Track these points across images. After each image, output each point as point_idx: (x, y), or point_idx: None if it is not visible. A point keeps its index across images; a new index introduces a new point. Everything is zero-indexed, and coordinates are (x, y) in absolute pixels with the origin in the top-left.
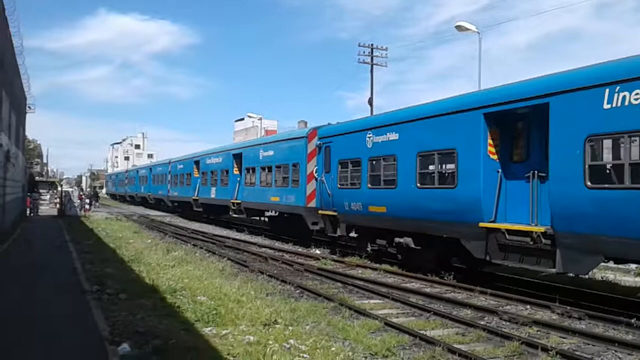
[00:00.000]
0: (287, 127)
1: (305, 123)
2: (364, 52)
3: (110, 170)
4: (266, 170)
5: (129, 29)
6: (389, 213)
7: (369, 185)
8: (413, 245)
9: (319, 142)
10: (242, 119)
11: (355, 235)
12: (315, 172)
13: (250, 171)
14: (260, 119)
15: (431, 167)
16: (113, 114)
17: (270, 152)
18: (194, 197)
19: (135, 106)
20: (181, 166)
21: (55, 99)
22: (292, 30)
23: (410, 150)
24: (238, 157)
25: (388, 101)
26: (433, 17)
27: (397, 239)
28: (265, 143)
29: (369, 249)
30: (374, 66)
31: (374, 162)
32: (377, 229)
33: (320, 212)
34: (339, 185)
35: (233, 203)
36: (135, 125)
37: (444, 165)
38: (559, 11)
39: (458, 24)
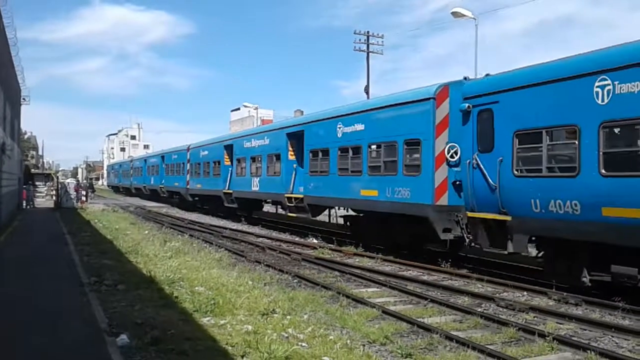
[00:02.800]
0: (283, 117)
1: (302, 112)
2: (359, 39)
3: (106, 162)
4: (350, 152)
5: (124, 19)
6: None
7: (604, 172)
8: None
9: (465, 105)
10: (238, 109)
11: (540, 251)
12: (447, 152)
13: (318, 155)
14: (256, 108)
15: None
16: (109, 105)
17: (358, 126)
18: (225, 190)
19: (131, 97)
20: (205, 152)
21: (50, 91)
22: (286, 18)
23: None
24: (295, 137)
25: (384, 90)
26: (428, 5)
27: None
28: (348, 114)
29: (585, 278)
30: (370, 54)
31: (617, 131)
32: (613, 247)
33: (466, 214)
34: (516, 172)
35: (288, 198)
36: (131, 116)
37: None
38: None
39: (454, 10)
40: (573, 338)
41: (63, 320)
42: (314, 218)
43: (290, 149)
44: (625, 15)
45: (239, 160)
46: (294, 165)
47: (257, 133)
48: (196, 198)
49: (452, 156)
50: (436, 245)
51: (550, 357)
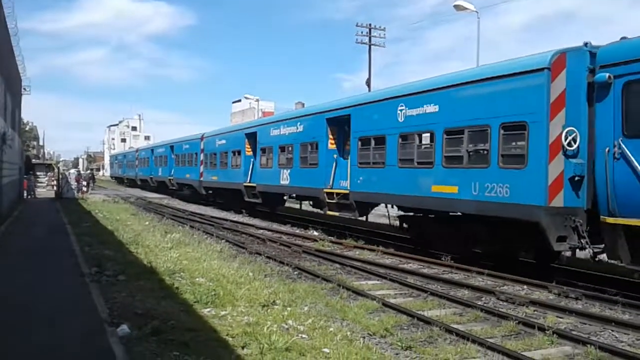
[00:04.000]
0: (284, 109)
1: (303, 104)
2: (361, 32)
3: (107, 153)
4: (416, 140)
5: (125, 10)
6: None
7: None
8: None
9: (605, 76)
10: (239, 101)
11: None
12: (564, 138)
13: (370, 143)
14: (258, 100)
15: None
16: (109, 96)
17: (429, 108)
18: (246, 183)
19: (131, 88)
20: (222, 142)
21: (51, 81)
22: (288, 11)
23: None
24: (337, 123)
25: (385, 83)
26: None
27: None
28: (414, 93)
29: None
30: (372, 47)
31: None
32: None
33: (604, 219)
34: None
35: (329, 193)
36: (132, 107)
37: None
38: None
39: (456, 3)
40: (573, 332)
41: (63, 310)
42: (360, 218)
43: (331, 136)
44: (626, 11)
45: (263, 150)
46: (335, 156)
47: (288, 119)
48: (210, 191)
49: (569, 144)
50: (527, 255)
51: (550, 351)
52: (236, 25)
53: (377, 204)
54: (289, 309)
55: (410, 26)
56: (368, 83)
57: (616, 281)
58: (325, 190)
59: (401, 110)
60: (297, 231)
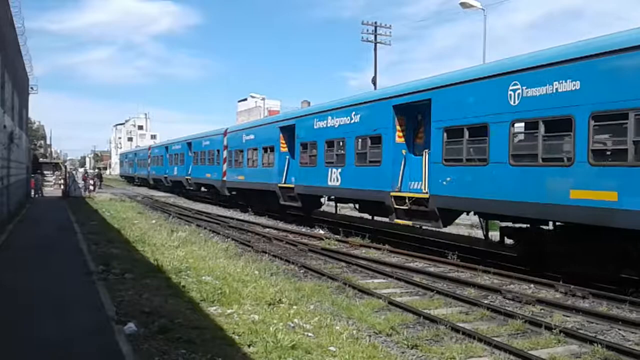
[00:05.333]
0: (290, 107)
1: (309, 103)
2: (367, 30)
3: (114, 152)
4: (542, 127)
5: (131, 9)
6: None
7: None
8: None
9: None
10: (245, 100)
11: None
12: None
13: (465, 135)
14: (263, 99)
15: None
16: (116, 95)
17: (566, 84)
18: (281, 184)
19: (138, 87)
20: (250, 137)
21: (58, 81)
22: (293, 9)
23: None
24: (408, 112)
25: (391, 81)
26: None
27: None
28: (539, 67)
29: None
30: (378, 45)
31: None
32: None
33: None
34: None
35: (398, 198)
36: (138, 106)
37: None
38: None
39: (463, 0)
40: (580, 331)
41: (71, 308)
42: (443, 229)
43: (399, 127)
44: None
45: (304, 146)
46: (404, 152)
47: (338, 108)
48: (234, 192)
49: None
50: None
51: (557, 350)
52: (242, 24)
53: (468, 212)
54: (295, 307)
55: (415, 24)
56: (374, 81)
57: (623, 280)
58: (393, 193)
59: (515, 90)
60: (303, 230)
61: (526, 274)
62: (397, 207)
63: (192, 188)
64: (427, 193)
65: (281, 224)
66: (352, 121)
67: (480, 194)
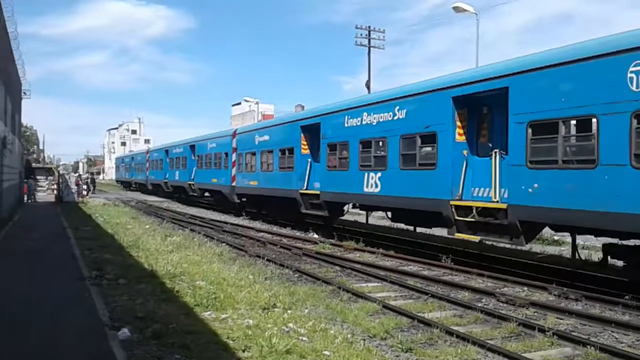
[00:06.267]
0: (284, 111)
1: (303, 107)
2: (361, 34)
3: (107, 157)
4: None
5: (125, 14)
6: None
7: None
8: None
9: None
10: (239, 104)
11: None
12: None
13: (557, 130)
14: (257, 103)
15: None
16: (110, 99)
17: None
18: (303, 190)
19: (131, 92)
20: (264, 137)
21: (51, 85)
22: (287, 14)
23: None
24: (470, 104)
25: (385, 85)
26: (427, 1)
27: None
28: None
29: None
30: (371, 49)
31: None
32: None
33: None
34: None
35: (459, 207)
36: (132, 110)
37: None
38: None
39: (456, 4)
40: (573, 333)
41: (64, 314)
42: (523, 247)
43: (459, 123)
44: (624, 12)
45: (332, 147)
46: (465, 152)
47: (374, 103)
48: (244, 199)
49: None
50: None
51: (551, 352)
52: (235, 29)
53: (563, 227)
54: (289, 311)
55: (409, 28)
56: (368, 85)
57: (616, 282)
58: (453, 202)
59: (637, 72)
60: (297, 234)
61: (519, 277)
62: (459, 218)
63: (195, 194)
64: (498, 202)
65: (275, 228)
66: (396, 117)
67: (585, 205)
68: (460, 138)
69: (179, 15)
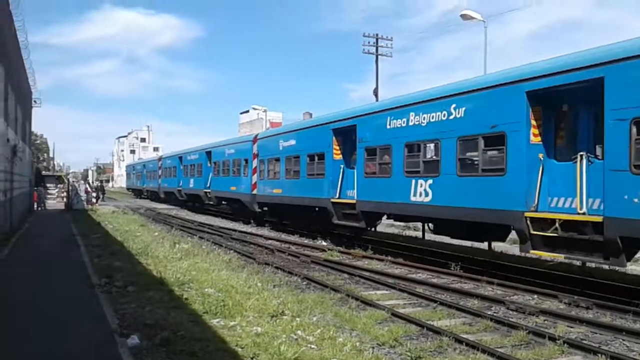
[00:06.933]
0: (292, 119)
1: (311, 114)
2: (368, 42)
3: (116, 164)
4: None
5: (134, 23)
6: None
7: None
8: None
9: None
10: (247, 112)
11: None
12: None
13: None
14: (265, 111)
15: None
16: (119, 107)
17: None
18: (335, 199)
19: (141, 100)
20: (290, 142)
21: (61, 94)
22: (295, 22)
23: None
24: (545, 99)
25: (392, 93)
26: (434, 8)
27: None
28: None
29: None
30: (379, 57)
31: None
32: None
33: None
34: None
35: (538, 220)
36: (141, 118)
37: None
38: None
39: (463, 12)
40: (584, 341)
41: (74, 321)
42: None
43: (534, 122)
44: (633, 17)
45: (371, 152)
46: (541, 155)
47: (423, 102)
48: (265, 208)
49: None
50: None
51: None
52: (243, 37)
53: None
54: (297, 319)
55: (416, 36)
56: (375, 93)
57: (627, 290)
58: (528, 214)
59: None
60: (306, 241)
61: (529, 285)
62: (536, 233)
63: (212, 202)
64: (585, 213)
65: (283, 236)
66: (452, 116)
67: None
68: (536, 139)
69: (187, 25)
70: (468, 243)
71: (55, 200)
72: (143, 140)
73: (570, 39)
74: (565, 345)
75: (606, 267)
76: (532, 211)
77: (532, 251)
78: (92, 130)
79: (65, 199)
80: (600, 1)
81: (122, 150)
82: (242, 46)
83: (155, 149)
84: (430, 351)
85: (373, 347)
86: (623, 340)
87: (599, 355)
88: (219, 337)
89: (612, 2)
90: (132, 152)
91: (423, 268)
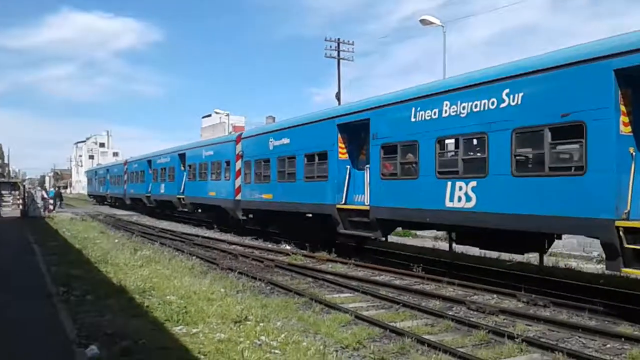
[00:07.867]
0: (255, 123)
1: (274, 118)
2: (330, 46)
3: (74, 170)
4: None
5: (93, 26)
6: None
7: None
8: None
9: None
10: (209, 115)
11: None
12: None
13: None
14: (228, 115)
15: None
16: (77, 112)
17: None
18: (341, 205)
19: (100, 105)
20: (284, 141)
21: (17, 98)
22: (256, 26)
23: None
24: (637, 83)
25: (354, 97)
26: (394, 14)
27: None
28: None
29: None
30: (341, 61)
31: None
32: None
33: None
34: None
35: (626, 231)
36: (100, 124)
37: None
38: (516, 6)
39: (423, 17)
40: (542, 339)
41: (30, 332)
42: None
43: (624, 109)
44: (585, 24)
45: (389, 150)
46: (632, 150)
47: (460, 88)
48: (250, 215)
49: None
50: None
51: (520, 359)
52: (204, 41)
53: None
54: (261, 324)
55: (377, 40)
56: (338, 96)
57: (583, 288)
58: (619, 223)
59: None
60: (270, 245)
61: (490, 285)
62: (630, 246)
63: (186, 209)
64: None
65: (247, 240)
66: (505, 104)
67: None
68: (626, 129)
69: (147, 28)
70: (429, 244)
71: (10, 207)
72: (102, 145)
73: (526, 43)
74: (524, 343)
75: (562, 265)
76: (624, 219)
77: (624, 270)
78: (49, 136)
79: (20, 206)
80: (553, 7)
81: (81, 156)
82: (204, 51)
83: (115, 154)
84: (393, 353)
85: (337, 350)
86: (579, 337)
87: (556, 352)
88: (181, 344)
89: (564, 8)
90: (91, 157)
91: (386, 270)
